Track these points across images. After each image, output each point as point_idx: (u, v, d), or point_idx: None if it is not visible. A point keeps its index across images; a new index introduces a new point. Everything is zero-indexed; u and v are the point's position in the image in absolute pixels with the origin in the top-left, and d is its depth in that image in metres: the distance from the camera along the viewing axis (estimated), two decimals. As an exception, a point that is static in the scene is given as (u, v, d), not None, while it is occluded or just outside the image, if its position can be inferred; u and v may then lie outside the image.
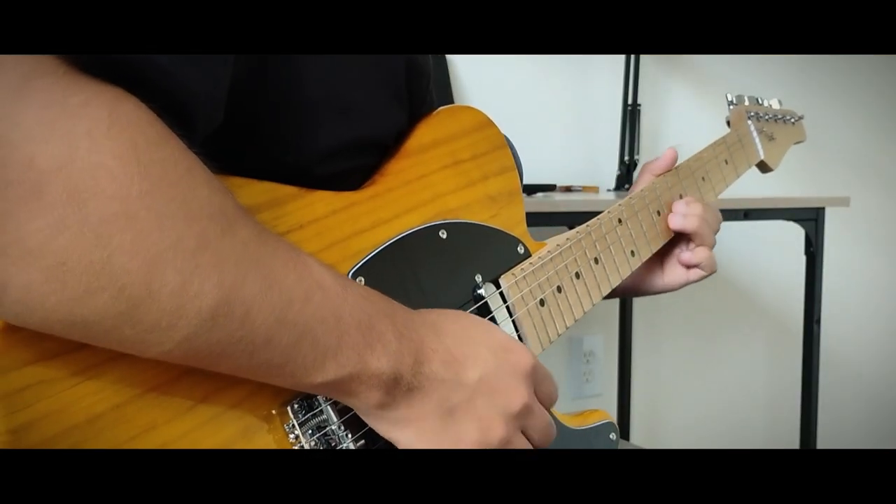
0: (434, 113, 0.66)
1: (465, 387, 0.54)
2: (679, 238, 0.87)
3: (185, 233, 0.41)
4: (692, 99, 2.17)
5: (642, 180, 0.89)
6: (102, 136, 0.39)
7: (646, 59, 2.00)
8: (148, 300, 0.41)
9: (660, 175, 0.88)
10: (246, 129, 0.55)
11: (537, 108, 1.93)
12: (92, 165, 0.38)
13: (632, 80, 1.92)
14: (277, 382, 0.49)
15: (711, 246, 0.86)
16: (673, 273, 0.88)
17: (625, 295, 0.90)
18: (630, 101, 1.92)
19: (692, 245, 0.86)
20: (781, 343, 2.42)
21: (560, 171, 1.91)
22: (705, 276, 0.87)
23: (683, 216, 0.84)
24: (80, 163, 0.38)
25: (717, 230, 0.88)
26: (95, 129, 0.39)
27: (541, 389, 0.60)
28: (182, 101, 0.44)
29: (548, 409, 0.61)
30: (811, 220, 1.83)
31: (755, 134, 1.02)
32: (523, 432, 0.58)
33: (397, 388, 0.51)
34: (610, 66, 1.99)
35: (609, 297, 0.80)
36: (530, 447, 0.58)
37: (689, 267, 0.87)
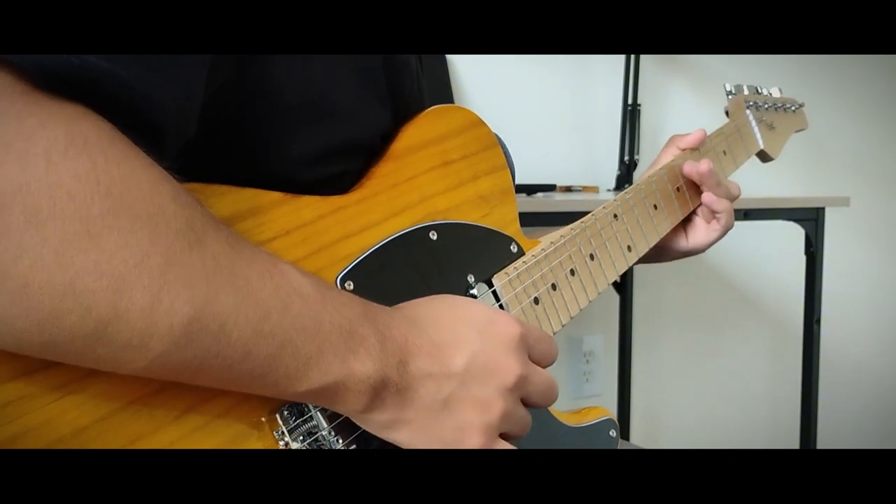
0: (423, 113, 0.66)
1: (455, 375, 0.54)
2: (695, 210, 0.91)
3: (150, 250, 0.41)
4: (692, 99, 2.17)
5: (668, 152, 0.92)
6: (59, 157, 0.39)
7: (646, 59, 2.00)
8: (116, 320, 0.40)
9: (684, 149, 0.92)
10: (229, 136, 0.54)
11: (537, 108, 1.93)
12: (49, 187, 0.38)
13: (632, 80, 1.92)
14: (261, 392, 0.49)
15: (732, 199, 0.91)
16: (696, 233, 0.91)
17: (648, 261, 0.93)
18: (630, 101, 1.92)
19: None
20: (781, 343, 2.42)
21: (560, 171, 1.91)
22: (724, 233, 0.91)
23: (704, 165, 0.88)
24: (37, 185, 0.38)
25: (734, 196, 0.92)
26: (52, 149, 0.38)
27: (535, 351, 0.59)
28: (147, 113, 0.44)
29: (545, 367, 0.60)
30: (811, 220, 1.83)
31: (754, 123, 1.02)
32: (524, 399, 0.58)
33: (386, 390, 0.51)
34: (610, 66, 1.99)
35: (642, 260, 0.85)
36: (528, 417, 0.58)
37: (707, 223, 0.91)
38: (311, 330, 0.48)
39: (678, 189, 0.88)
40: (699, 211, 0.91)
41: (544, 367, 0.60)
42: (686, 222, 0.92)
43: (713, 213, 0.90)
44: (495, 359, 0.55)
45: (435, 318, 0.56)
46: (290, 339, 0.47)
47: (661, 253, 0.93)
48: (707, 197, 0.89)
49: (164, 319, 0.41)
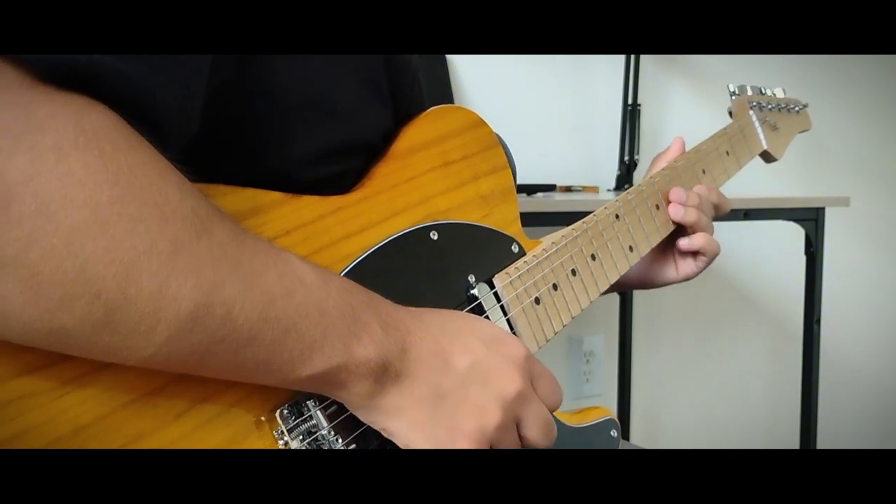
0: (424, 114, 0.66)
1: (456, 373, 0.54)
2: (681, 228, 0.89)
3: (158, 237, 0.41)
4: (692, 99, 2.17)
5: (654, 170, 0.91)
6: (69, 147, 0.39)
7: (646, 59, 2.00)
8: (125, 305, 0.41)
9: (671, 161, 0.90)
10: (229, 135, 0.55)
11: (537, 108, 1.93)
12: (60, 176, 0.39)
13: (632, 80, 1.92)
14: (265, 380, 0.49)
15: (710, 231, 0.89)
16: (685, 263, 0.90)
17: (639, 287, 0.93)
18: (630, 101, 1.92)
19: (689, 233, 0.88)
20: (781, 343, 2.42)
21: (560, 171, 1.91)
22: (711, 261, 0.89)
23: (684, 209, 0.86)
24: (47, 174, 0.38)
25: (722, 210, 0.91)
26: (62, 139, 0.39)
27: (539, 385, 0.58)
28: (150, 109, 0.44)
29: (550, 410, 0.59)
30: (811, 220, 1.83)
31: (757, 124, 1.02)
32: (519, 426, 0.57)
33: (386, 376, 0.51)
34: (610, 66, 1.99)
35: (613, 290, 0.82)
36: (520, 446, 0.57)
37: (693, 255, 0.89)
38: (314, 315, 0.48)
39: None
40: (681, 245, 0.90)
41: (547, 405, 0.59)
42: (674, 253, 0.91)
43: (695, 253, 0.90)
44: (497, 369, 0.56)
45: (442, 322, 0.56)
46: (294, 324, 0.47)
47: (650, 282, 0.93)
48: (682, 243, 0.88)
49: (171, 304, 0.42)
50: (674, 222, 0.87)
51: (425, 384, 0.53)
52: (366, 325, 0.51)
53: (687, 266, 0.90)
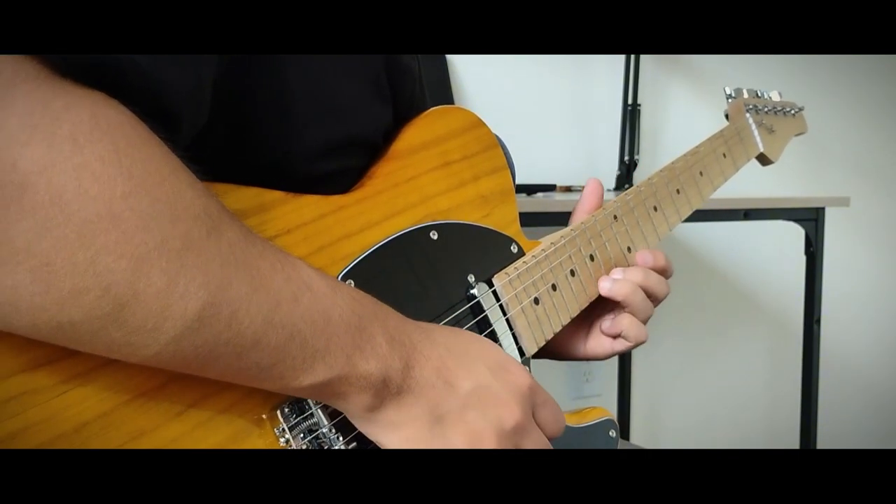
0: (424, 114, 0.66)
1: (457, 396, 0.54)
2: (608, 303, 0.76)
3: (170, 233, 0.41)
4: (692, 99, 2.17)
5: (576, 220, 0.79)
6: (85, 139, 0.39)
7: (646, 59, 2.00)
8: (133, 301, 0.41)
9: (598, 209, 0.80)
10: (231, 129, 0.55)
11: (537, 108, 1.94)
12: (74, 167, 0.39)
13: (632, 80, 1.92)
14: (266, 386, 0.49)
15: (645, 318, 0.75)
16: (597, 341, 0.77)
17: (547, 357, 0.79)
18: (630, 101, 1.92)
19: (617, 311, 0.75)
20: (781, 343, 2.42)
21: (560, 171, 1.91)
22: (632, 347, 0.76)
23: (613, 281, 0.74)
24: (62, 165, 0.38)
25: (664, 292, 0.77)
26: (78, 131, 0.39)
27: (541, 414, 0.58)
28: (164, 102, 0.45)
29: (550, 438, 0.59)
30: (811, 220, 1.83)
31: (754, 127, 1.02)
32: None
33: (386, 391, 0.51)
34: (610, 66, 1.99)
35: (538, 356, 0.72)
36: None
37: (613, 336, 0.76)
38: (319, 323, 0.48)
39: (678, 191, 0.89)
40: (603, 326, 0.76)
41: (547, 434, 0.59)
42: (590, 327, 0.77)
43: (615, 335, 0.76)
44: (499, 397, 0.55)
45: (450, 342, 0.56)
46: (298, 331, 0.47)
47: (557, 351, 0.79)
48: (605, 324, 0.75)
49: (179, 303, 0.42)
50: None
51: (425, 403, 0.53)
52: (371, 337, 0.50)
53: (599, 345, 0.76)
